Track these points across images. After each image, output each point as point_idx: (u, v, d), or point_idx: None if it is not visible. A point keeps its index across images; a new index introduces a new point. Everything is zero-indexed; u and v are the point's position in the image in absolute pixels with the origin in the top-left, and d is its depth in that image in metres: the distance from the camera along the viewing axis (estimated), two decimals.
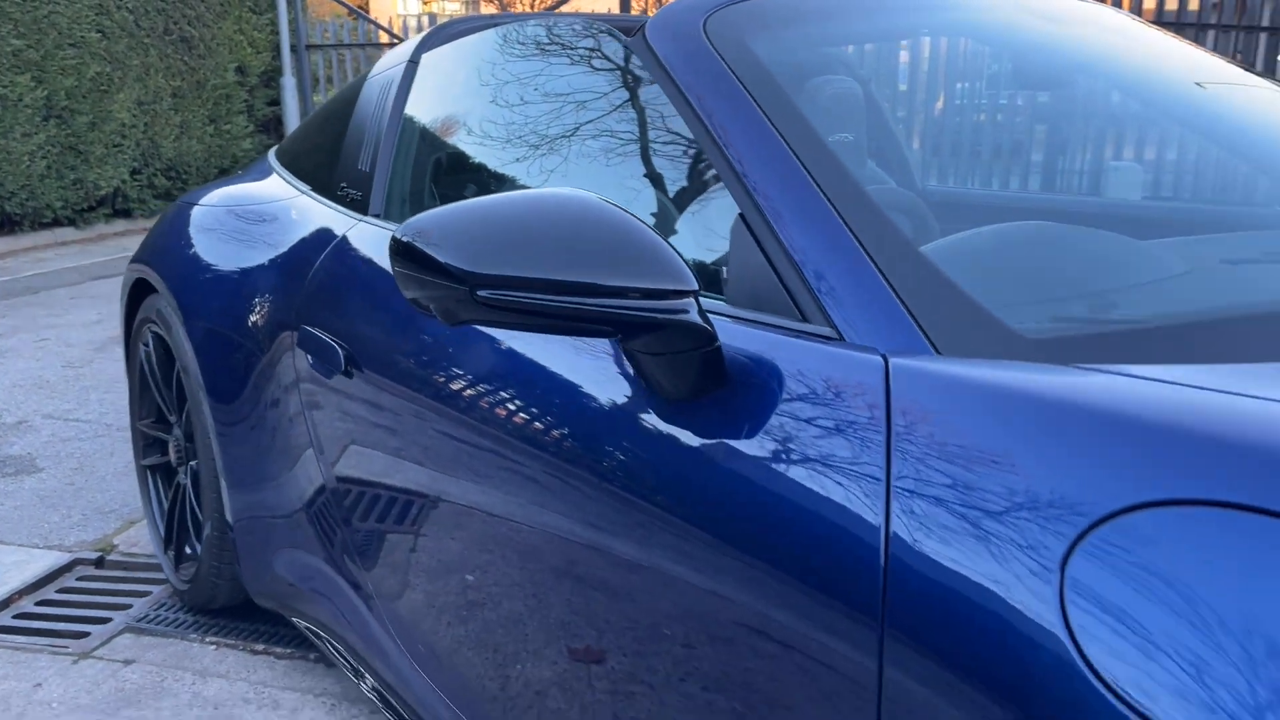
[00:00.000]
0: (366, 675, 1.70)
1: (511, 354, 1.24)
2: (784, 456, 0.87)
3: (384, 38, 10.41)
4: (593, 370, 1.12)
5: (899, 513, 0.77)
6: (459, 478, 1.32)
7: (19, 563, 2.54)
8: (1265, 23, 8.80)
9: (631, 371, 1.04)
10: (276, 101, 10.02)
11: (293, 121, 9.80)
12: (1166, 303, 1.03)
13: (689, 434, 0.96)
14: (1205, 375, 0.78)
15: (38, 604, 2.36)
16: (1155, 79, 1.54)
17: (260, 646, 2.16)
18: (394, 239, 0.93)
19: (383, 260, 1.60)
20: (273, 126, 10.13)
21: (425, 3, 25.89)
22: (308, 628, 1.91)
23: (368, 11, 14.58)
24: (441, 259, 0.90)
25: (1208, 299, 1.08)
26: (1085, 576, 0.65)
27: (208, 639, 2.18)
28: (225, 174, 8.93)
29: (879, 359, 0.85)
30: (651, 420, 1.01)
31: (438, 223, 0.93)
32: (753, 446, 0.90)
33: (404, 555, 1.50)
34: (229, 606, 2.25)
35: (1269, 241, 1.35)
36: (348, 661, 1.76)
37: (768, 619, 0.87)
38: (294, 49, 9.94)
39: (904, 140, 1.97)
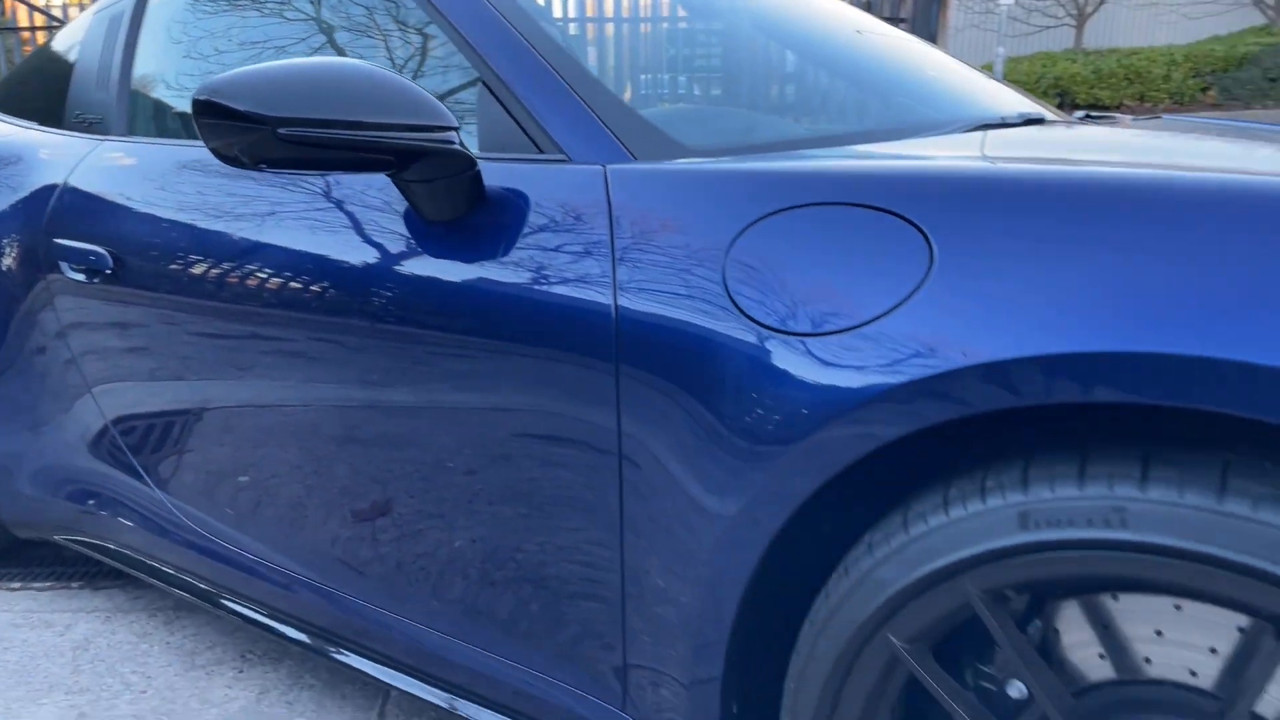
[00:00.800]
0: (163, 570, 1.81)
1: (273, 237, 1.42)
2: (538, 255, 1.16)
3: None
4: (350, 231, 1.34)
5: (622, 278, 1.08)
6: (237, 368, 1.49)
7: None
8: None
9: (385, 226, 1.28)
10: None
11: None
12: (779, 134, 1.42)
13: (457, 255, 1.22)
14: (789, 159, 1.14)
15: None
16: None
17: (17, 585, 2.15)
18: (196, 100, 1.12)
19: (140, 169, 1.71)
20: None
21: None
22: (89, 544, 1.96)
23: None
24: (242, 108, 1.11)
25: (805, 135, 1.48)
26: (736, 271, 0.99)
27: None
28: None
29: (599, 168, 1.16)
30: (421, 251, 1.25)
31: (232, 82, 1.12)
32: (513, 251, 1.18)
33: (185, 451, 1.64)
34: None
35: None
36: (140, 564, 1.85)
37: (537, 416, 1.15)
38: None
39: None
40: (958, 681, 0.92)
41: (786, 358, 0.94)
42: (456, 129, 1.17)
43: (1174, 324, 0.74)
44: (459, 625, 1.35)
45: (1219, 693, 0.82)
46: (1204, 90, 17.82)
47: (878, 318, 0.89)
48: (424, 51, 1.46)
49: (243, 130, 1.11)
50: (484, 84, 1.30)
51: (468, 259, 1.22)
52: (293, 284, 1.39)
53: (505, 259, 1.18)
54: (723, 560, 1.00)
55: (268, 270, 1.42)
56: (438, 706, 1.41)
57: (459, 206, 1.21)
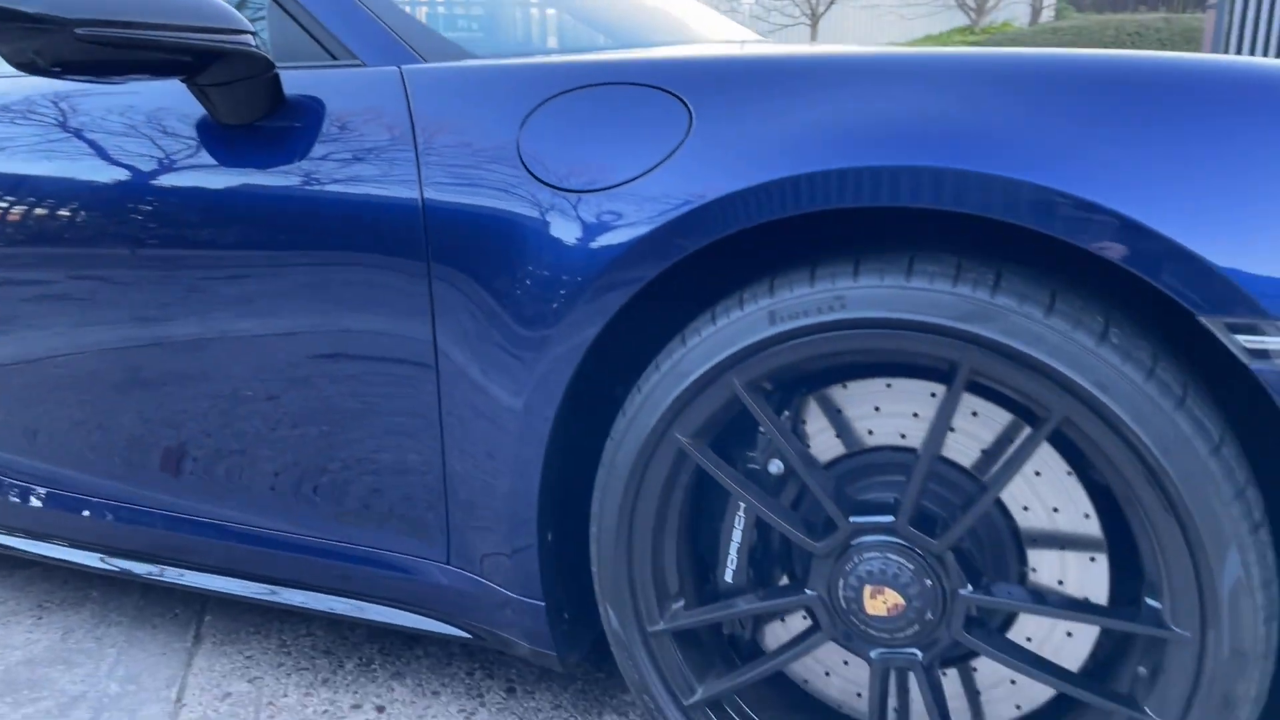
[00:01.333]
0: None
1: (38, 168, 1.44)
2: (342, 153, 1.26)
3: None
4: (123, 147, 1.38)
5: (426, 172, 1.20)
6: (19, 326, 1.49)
7: None
8: None
9: (175, 135, 1.34)
10: None
11: None
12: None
13: (258, 159, 1.29)
14: (568, 55, 1.31)
15: None
16: None
17: None
18: None
19: None
20: None
21: None
22: None
23: None
24: (34, 10, 1.15)
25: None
26: (529, 145, 1.14)
27: None
28: None
29: (395, 69, 1.27)
30: (217, 161, 1.31)
31: None
32: (316, 150, 1.27)
33: None
34: None
35: None
36: None
37: (341, 328, 1.24)
38: None
39: None
40: (731, 466, 1.12)
41: (571, 214, 1.10)
42: (254, 33, 1.25)
43: (854, 149, 0.97)
44: (282, 517, 1.42)
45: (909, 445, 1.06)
46: None
47: (650, 170, 1.07)
48: None
49: (37, 33, 1.15)
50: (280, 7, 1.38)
51: (268, 164, 1.29)
52: (56, 213, 1.41)
53: (308, 160, 1.27)
54: (537, 395, 1.15)
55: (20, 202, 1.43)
56: (259, 601, 1.47)
57: (258, 108, 1.29)
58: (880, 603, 1.05)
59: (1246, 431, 0.97)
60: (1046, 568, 1.07)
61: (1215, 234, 0.87)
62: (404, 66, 1.27)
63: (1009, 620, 1.10)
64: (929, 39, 20.24)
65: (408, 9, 1.42)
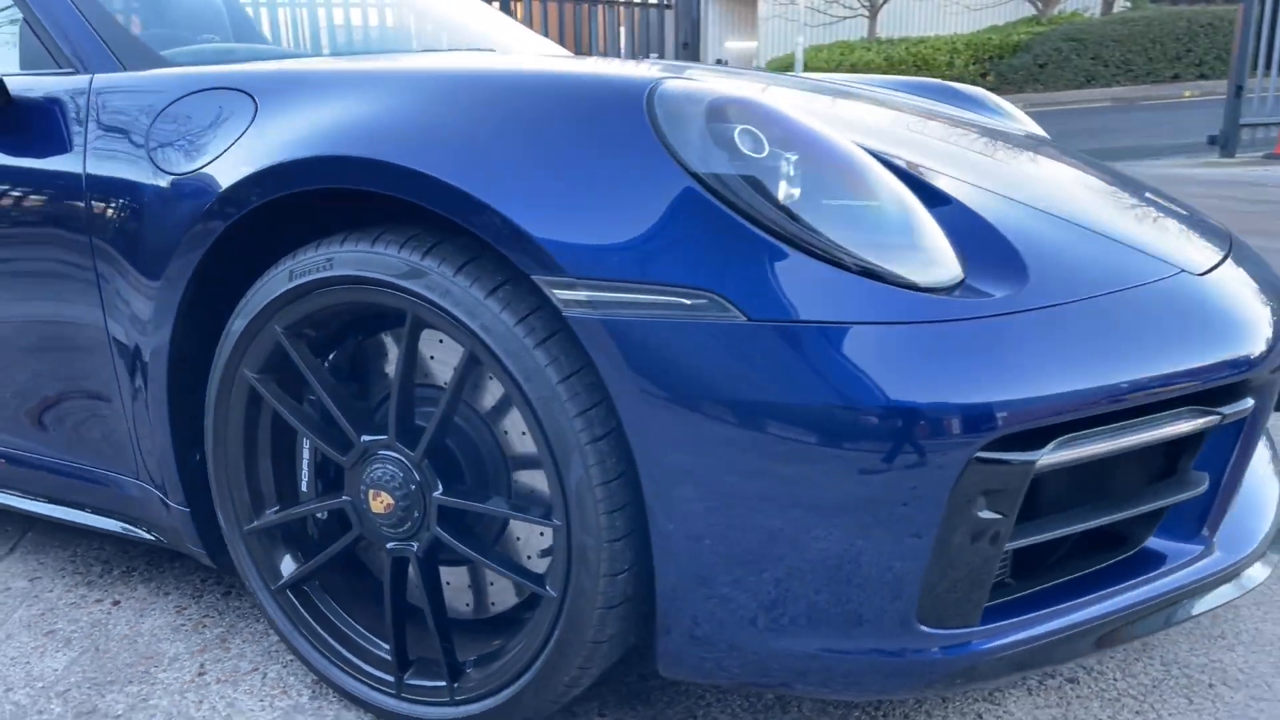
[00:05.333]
0: None
1: None
2: (41, 144, 1.56)
3: None
4: None
5: (90, 160, 1.50)
6: None
7: None
8: None
9: None
10: None
11: None
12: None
13: (21, 155, 1.60)
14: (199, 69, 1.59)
15: None
16: None
17: None
18: None
19: None
20: None
21: None
22: None
23: None
24: None
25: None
26: (156, 140, 1.43)
27: None
28: None
29: (88, 77, 1.58)
30: None
31: None
32: (22, 141, 1.58)
33: None
34: None
35: None
36: None
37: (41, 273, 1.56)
38: None
39: None
40: (295, 401, 1.39)
41: (171, 190, 1.39)
42: None
43: (325, 142, 1.24)
44: (39, 442, 1.74)
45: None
46: (983, 75, 19.35)
47: (226, 150, 1.36)
48: None
49: None
50: (25, 20, 1.70)
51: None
52: None
53: (15, 147, 1.59)
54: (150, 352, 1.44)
55: None
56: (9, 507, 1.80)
57: None
58: (380, 503, 1.32)
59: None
60: (531, 481, 1.32)
61: (538, 214, 1.11)
62: (95, 75, 1.58)
63: (505, 526, 1.35)
64: (993, 30, 19.95)
65: (121, 20, 1.73)
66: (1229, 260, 1.40)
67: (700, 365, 1.07)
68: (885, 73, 19.02)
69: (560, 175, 1.13)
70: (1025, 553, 1.23)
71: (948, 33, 20.69)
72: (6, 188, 1.58)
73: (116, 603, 1.79)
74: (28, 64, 1.72)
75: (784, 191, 1.14)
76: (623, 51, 9.30)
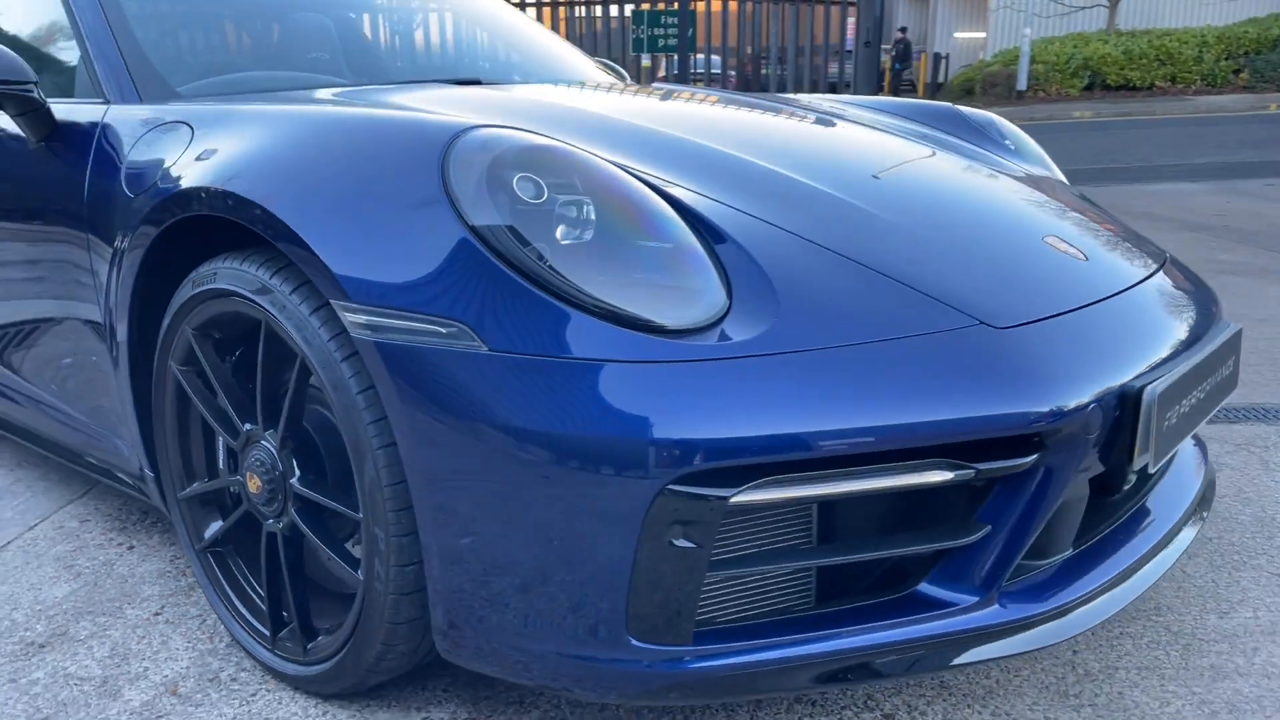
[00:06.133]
0: None
1: None
2: (64, 163, 1.88)
3: None
4: None
5: (91, 175, 1.80)
6: None
7: None
8: None
9: None
10: None
11: None
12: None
13: (41, 164, 1.94)
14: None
15: None
16: None
17: None
18: None
19: None
20: None
21: None
22: None
23: None
24: None
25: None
26: (129, 164, 1.70)
27: None
28: None
29: (104, 107, 1.88)
30: (20, 164, 1.99)
31: None
32: (52, 159, 1.91)
33: None
34: None
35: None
36: None
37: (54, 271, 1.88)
38: None
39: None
40: (209, 392, 1.63)
41: (128, 205, 1.66)
42: (35, 83, 1.90)
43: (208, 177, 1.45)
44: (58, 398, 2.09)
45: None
46: (1236, 72, 17.61)
47: (158, 178, 1.61)
48: (56, 28, 2.22)
49: None
50: (82, 56, 2.04)
51: (40, 168, 1.95)
52: None
53: (53, 164, 1.92)
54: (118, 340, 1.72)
55: None
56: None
57: (40, 131, 1.94)
58: (254, 484, 1.53)
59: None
60: None
61: (338, 248, 1.28)
62: (110, 106, 1.88)
63: None
64: (1250, 23, 18.10)
65: (156, 60, 2.03)
66: (1092, 308, 1.37)
67: (450, 386, 1.21)
68: (1123, 68, 17.68)
69: (362, 216, 1.29)
70: (830, 578, 1.29)
71: (1202, 24, 18.95)
72: (46, 196, 1.92)
73: (131, 548, 2.12)
74: (82, 93, 2.06)
75: (553, 236, 1.24)
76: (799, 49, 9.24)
